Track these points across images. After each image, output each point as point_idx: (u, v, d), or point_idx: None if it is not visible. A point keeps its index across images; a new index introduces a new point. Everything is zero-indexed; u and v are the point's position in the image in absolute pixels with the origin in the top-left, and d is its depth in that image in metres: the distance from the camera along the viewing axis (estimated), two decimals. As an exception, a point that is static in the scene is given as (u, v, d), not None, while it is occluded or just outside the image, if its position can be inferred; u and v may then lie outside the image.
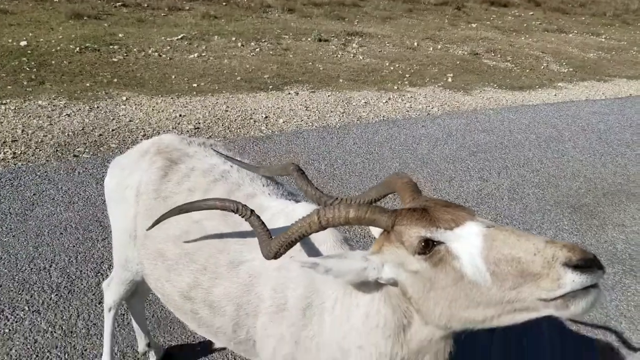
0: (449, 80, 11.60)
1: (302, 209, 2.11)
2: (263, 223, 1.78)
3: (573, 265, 1.28)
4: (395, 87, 10.58)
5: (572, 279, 1.28)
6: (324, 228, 1.57)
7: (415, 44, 14.24)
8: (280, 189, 2.49)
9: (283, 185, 2.56)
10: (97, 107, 7.46)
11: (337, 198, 1.90)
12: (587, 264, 1.29)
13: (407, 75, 11.46)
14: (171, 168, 2.47)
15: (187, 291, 2.24)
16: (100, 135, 6.68)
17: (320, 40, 12.91)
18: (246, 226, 2.11)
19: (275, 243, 1.64)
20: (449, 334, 1.63)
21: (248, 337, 2.15)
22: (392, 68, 11.85)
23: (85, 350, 3.47)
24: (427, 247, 1.46)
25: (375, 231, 1.88)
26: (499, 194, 6.58)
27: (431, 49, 14.10)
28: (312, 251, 2.01)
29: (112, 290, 3.02)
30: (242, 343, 2.21)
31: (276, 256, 1.65)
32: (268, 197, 2.33)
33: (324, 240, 2.04)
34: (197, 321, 2.32)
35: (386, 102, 9.63)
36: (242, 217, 1.82)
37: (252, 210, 1.81)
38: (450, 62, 13.09)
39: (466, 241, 1.43)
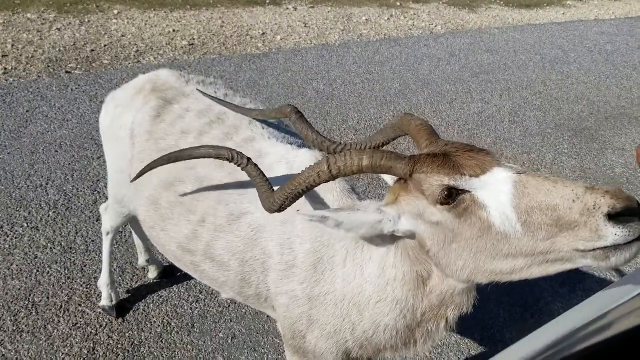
0: (454, -4, 11.16)
1: (305, 156, 1.98)
2: (262, 172, 1.62)
3: (615, 215, 1.17)
4: (398, 4, 10.19)
5: (614, 233, 1.17)
6: (334, 178, 1.43)
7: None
8: (282, 131, 2.30)
9: (286, 126, 2.38)
10: (88, 21, 7.19)
11: (340, 143, 1.74)
12: (632, 213, 1.17)
13: (410, -9, 11.01)
14: (165, 108, 2.32)
15: (186, 243, 2.13)
16: (93, 50, 6.48)
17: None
18: (244, 174, 2.00)
19: (280, 195, 1.48)
20: (472, 286, 1.55)
21: (257, 292, 2.05)
22: (395, -17, 11.38)
23: (85, 266, 3.52)
24: (451, 196, 1.34)
25: (389, 178, 1.76)
26: (500, 116, 6.49)
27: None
28: (318, 201, 1.86)
29: (109, 217, 3.01)
30: (250, 298, 2.11)
31: (280, 209, 1.52)
32: (268, 141, 2.15)
33: (329, 189, 1.86)
34: (199, 273, 2.24)
35: (388, 19, 9.31)
36: (238, 165, 1.66)
37: (249, 159, 1.65)
38: (456, -23, 12.56)
39: (494, 189, 1.32)
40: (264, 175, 1.62)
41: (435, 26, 9.38)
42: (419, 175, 1.39)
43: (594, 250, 1.22)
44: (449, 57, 8.05)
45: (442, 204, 1.36)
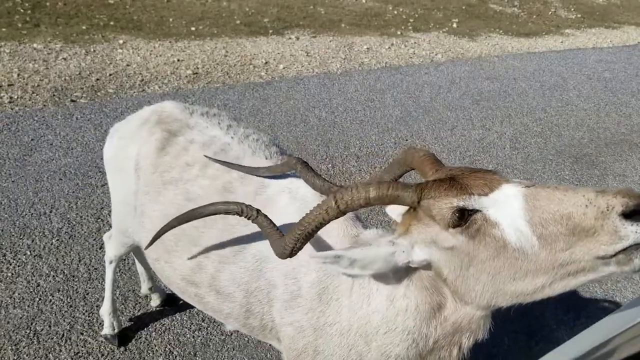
0: (454, 25, 11.32)
1: (306, 186, 1.98)
2: (272, 222, 1.62)
3: (630, 212, 1.15)
4: (399, 33, 10.34)
5: (635, 230, 1.15)
6: (343, 213, 1.40)
7: (420, -13, 13.81)
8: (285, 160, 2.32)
9: (290, 155, 2.36)
10: (94, 50, 7.30)
11: (349, 186, 1.73)
12: None
13: (410, 20, 11.17)
14: (169, 141, 2.33)
15: (190, 275, 2.13)
16: (98, 80, 6.56)
17: (322, -18, 12.49)
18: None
19: (290, 238, 1.46)
20: (489, 313, 1.51)
21: (262, 323, 2.03)
22: (395, 12, 11.55)
23: (87, 294, 3.51)
24: (462, 217, 1.32)
25: (393, 212, 1.73)
26: (501, 143, 6.53)
27: (436, -8, 13.69)
28: (322, 235, 1.82)
29: (112, 246, 3.00)
30: (255, 329, 2.09)
31: (292, 254, 1.49)
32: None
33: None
34: (203, 305, 2.22)
35: (389, 48, 9.43)
36: (248, 218, 1.65)
37: (258, 211, 1.65)
38: (455, 6, 12.75)
39: (505, 205, 1.30)
40: (274, 225, 1.61)
41: (436, 54, 9.50)
42: (427, 201, 1.38)
43: (615, 255, 1.20)
44: (449, 85, 8.13)
45: (453, 226, 1.34)
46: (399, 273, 1.56)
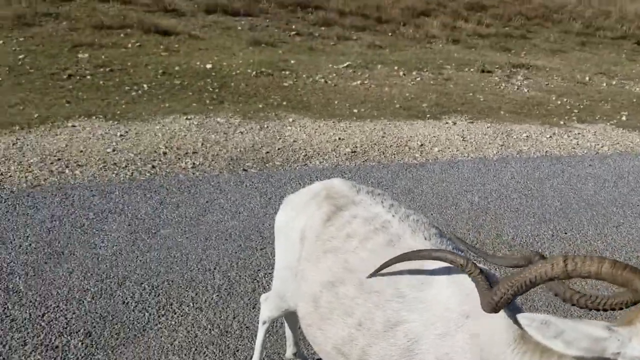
0: (623, 118, 10.65)
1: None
2: (488, 280, 1.62)
3: None
4: (562, 122, 9.99)
5: None
6: (568, 276, 1.34)
7: (587, 78, 13.23)
8: (445, 243, 2.27)
9: (450, 240, 2.35)
10: (267, 126, 8.08)
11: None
12: None
13: (575, 111, 10.75)
14: (335, 214, 2.45)
15: (341, 345, 2.14)
16: (267, 152, 7.23)
17: (483, 71, 12.54)
18: (405, 282, 2.03)
19: (503, 286, 1.42)
20: None
21: None
22: (559, 102, 11.20)
23: (238, 350, 3.76)
24: None
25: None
26: (677, 246, 5.90)
27: (604, 84, 13.00)
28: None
29: (268, 308, 3.19)
30: None
31: (497, 307, 1.46)
32: None
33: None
34: None
35: (550, 137, 9.13)
36: (469, 274, 1.67)
37: (481, 270, 1.67)
38: (625, 99, 12.01)
39: None
40: (489, 282, 1.63)
41: (602, 146, 8.99)
42: None
43: None
44: (616, 179, 7.61)
45: None
46: None
